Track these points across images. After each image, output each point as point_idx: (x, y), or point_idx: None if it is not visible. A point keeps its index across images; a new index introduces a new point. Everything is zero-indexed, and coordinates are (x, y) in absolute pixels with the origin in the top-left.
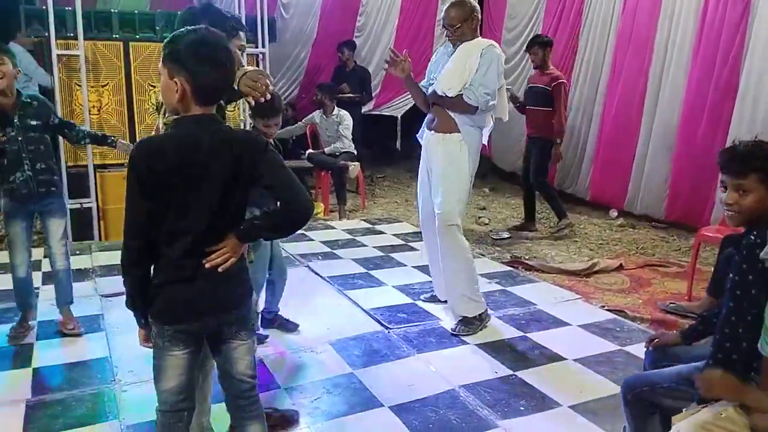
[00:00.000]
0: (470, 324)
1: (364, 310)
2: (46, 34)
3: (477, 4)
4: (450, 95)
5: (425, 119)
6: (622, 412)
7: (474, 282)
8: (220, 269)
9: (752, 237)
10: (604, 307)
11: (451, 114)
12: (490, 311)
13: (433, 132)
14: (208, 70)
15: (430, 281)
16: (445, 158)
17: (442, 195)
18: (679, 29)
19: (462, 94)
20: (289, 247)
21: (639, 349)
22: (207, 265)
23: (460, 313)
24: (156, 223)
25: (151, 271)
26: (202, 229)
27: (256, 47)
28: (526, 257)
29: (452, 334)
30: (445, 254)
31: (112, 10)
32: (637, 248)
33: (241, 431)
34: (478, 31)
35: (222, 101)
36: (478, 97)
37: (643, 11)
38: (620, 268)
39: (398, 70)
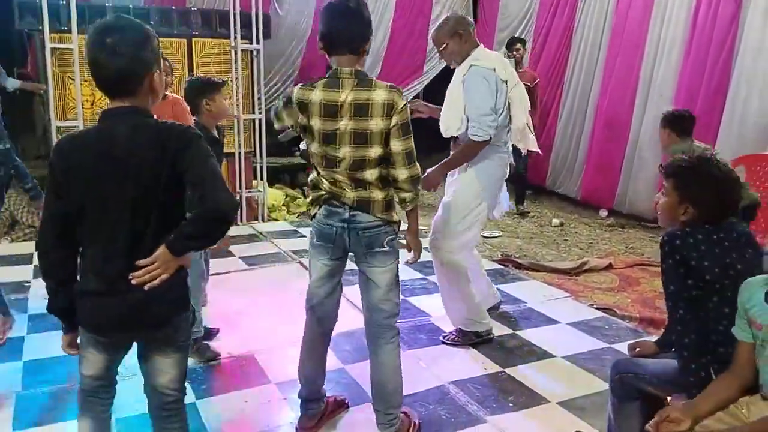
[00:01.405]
0: (465, 336)
1: (355, 306)
2: (40, 27)
3: (462, 17)
4: (454, 134)
5: None
6: (607, 393)
7: (470, 301)
8: (146, 287)
9: (663, 236)
10: (593, 305)
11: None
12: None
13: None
14: (102, 60)
15: (422, 278)
16: (454, 183)
17: (441, 221)
18: (670, 30)
19: (468, 135)
20: (281, 244)
21: (627, 347)
22: (133, 282)
23: (455, 325)
24: (78, 222)
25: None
26: (124, 230)
27: (251, 44)
28: (517, 256)
29: (441, 342)
30: (438, 276)
31: (107, 4)
32: (627, 248)
33: None
34: (473, 41)
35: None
36: (484, 128)
37: (636, 12)
38: (609, 267)
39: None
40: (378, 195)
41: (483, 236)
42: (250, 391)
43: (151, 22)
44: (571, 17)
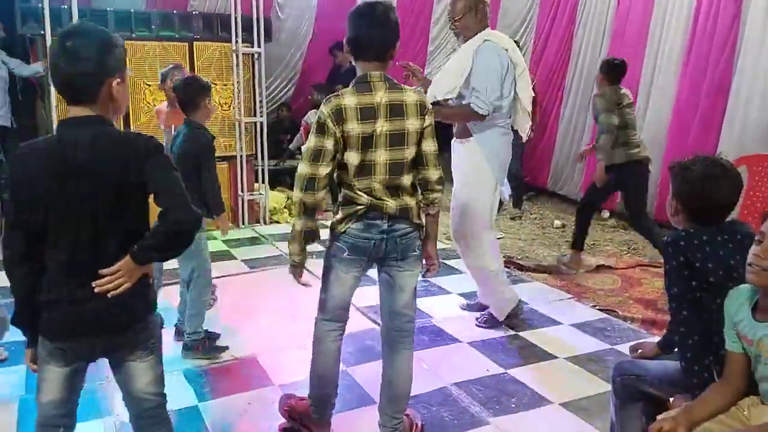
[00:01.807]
0: (494, 322)
1: (357, 308)
2: (42, 31)
3: None
4: (440, 99)
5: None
6: (609, 395)
7: (497, 287)
8: (109, 295)
9: (667, 238)
10: (595, 306)
11: None
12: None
13: (455, 139)
14: (61, 64)
15: (423, 280)
16: (462, 167)
17: (457, 209)
18: (670, 32)
19: (461, 101)
20: (283, 247)
21: (629, 348)
22: (96, 290)
23: (491, 310)
24: (40, 232)
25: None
26: (87, 240)
27: (252, 47)
28: (519, 257)
29: (476, 325)
30: (468, 266)
31: (108, 9)
32: (629, 248)
33: None
34: (486, 22)
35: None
36: (487, 102)
37: (636, 13)
38: (604, 267)
39: (415, 80)
40: (412, 201)
41: None
42: (252, 393)
43: (153, 26)
44: (571, 19)
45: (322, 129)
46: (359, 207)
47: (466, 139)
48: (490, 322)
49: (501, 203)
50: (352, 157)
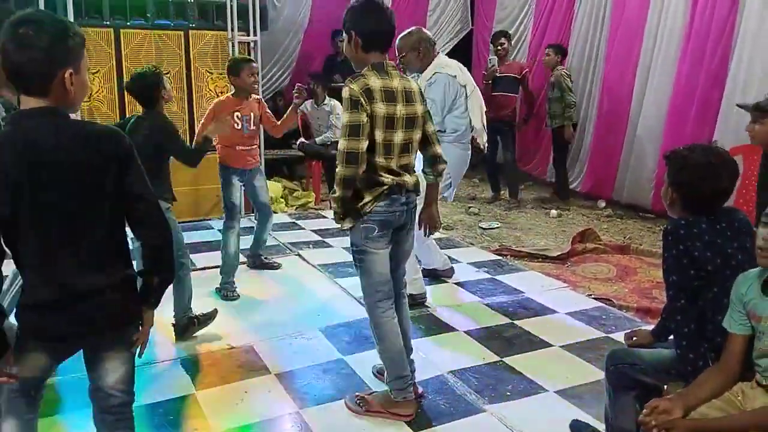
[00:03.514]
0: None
1: (354, 297)
2: None
3: (426, 36)
4: None
5: None
6: (603, 383)
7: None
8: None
9: (666, 226)
10: (590, 295)
11: None
12: (477, 298)
13: None
14: (12, 50)
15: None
16: None
17: None
18: (668, 20)
19: None
20: (280, 236)
21: (623, 336)
22: (138, 356)
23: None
24: (8, 232)
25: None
26: (65, 240)
27: (248, 35)
28: (515, 246)
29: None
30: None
31: None
32: (625, 238)
33: None
34: (429, 59)
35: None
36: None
37: (634, 1)
38: (597, 251)
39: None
40: (415, 177)
41: (482, 227)
42: (249, 381)
43: (148, 14)
44: (569, 7)
45: (356, 105)
46: (384, 187)
47: None
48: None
49: (498, 198)
50: (378, 136)
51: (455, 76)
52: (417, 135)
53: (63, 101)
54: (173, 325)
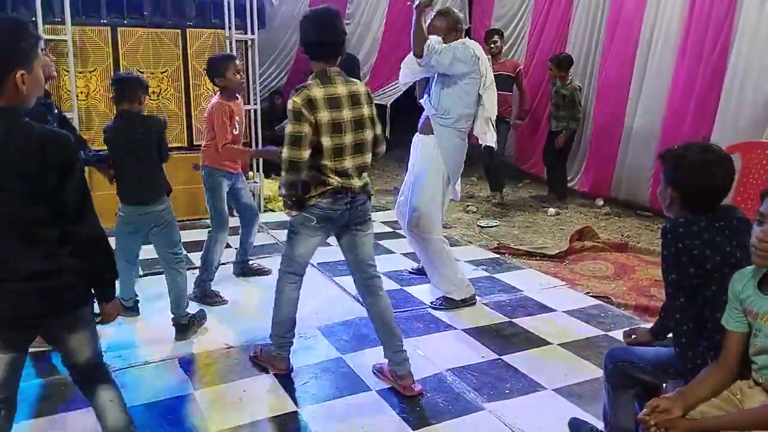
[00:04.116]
0: (452, 302)
1: (352, 296)
2: (33, 18)
3: (461, 18)
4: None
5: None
6: (602, 381)
7: (453, 272)
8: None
9: (665, 224)
10: (589, 293)
11: (430, 117)
12: (476, 296)
13: (418, 134)
14: None
15: (419, 267)
16: (420, 159)
17: (412, 196)
18: (665, 17)
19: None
20: (278, 235)
21: (622, 335)
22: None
23: (443, 292)
24: None
25: None
26: (11, 232)
27: (245, 34)
28: (513, 244)
29: (431, 307)
30: (419, 251)
31: None
32: (622, 236)
33: (91, 397)
34: (456, 40)
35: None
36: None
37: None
38: (595, 249)
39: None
40: (366, 180)
41: (480, 226)
42: (247, 380)
43: (145, 13)
44: (568, 5)
45: (298, 117)
46: (329, 186)
47: (428, 135)
48: (446, 305)
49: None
50: (326, 141)
51: (479, 58)
52: (369, 135)
53: (15, 99)
54: (174, 324)
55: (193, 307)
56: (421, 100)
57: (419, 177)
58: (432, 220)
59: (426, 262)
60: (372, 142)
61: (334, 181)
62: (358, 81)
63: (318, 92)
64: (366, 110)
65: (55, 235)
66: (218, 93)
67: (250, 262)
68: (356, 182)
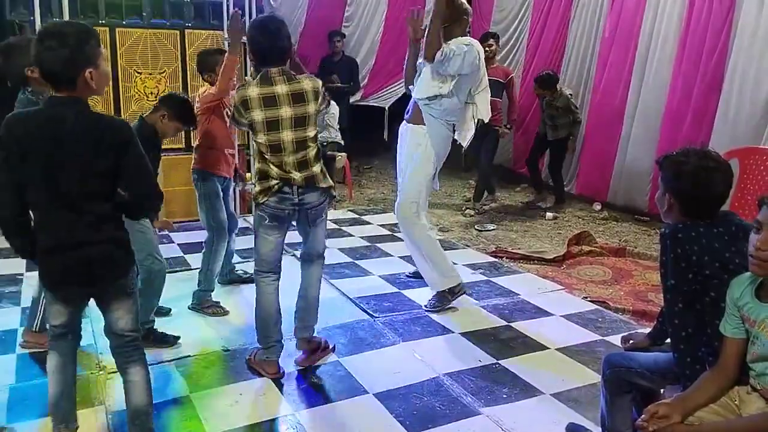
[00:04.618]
0: (442, 299)
1: (350, 299)
2: (32, 17)
3: (470, 10)
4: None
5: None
6: (600, 386)
7: (440, 258)
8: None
9: (664, 230)
10: (586, 298)
11: (420, 107)
12: (473, 300)
13: (405, 122)
14: (39, 53)
15: (416, 271)
16: (410, 147)
17: (404, 182)
18: (663, 23)
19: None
20: None
21: (620, 340)
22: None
23: (433, 289)
24: (26, 192)
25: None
26: (65, 203)
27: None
28: (510, 248)
29: (425, 310)
30: (407, 239)
31: None
32: (620, 241)
33: (123, 372)
34: (460, 32)
35: None
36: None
37: (630, 5)
38: (592, 254)
39: (411, 29)
40: (317, 169)
41: (477, 230)
42: (244, 384)
43: (144, 13)
44: (566, 9)
45: (237, 111)
46: (273, 182)
47: (418, 125)
48: (438, 304)
49: (490, 194)
50: (261, 138)
51: (482, 60)
52: (311, 132)
53: (88, 93)
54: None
55: (191, 315)
56: (410, 87)
57: (409, 165)
58: (419, 207)
59: (414, 252)
60: (314, 138)
61: (274, 172)
62: (309, 79)
63: (254, 91)
64: (312, 107)
65: (102, 209)
66: (209, 89)
67: (236, 270)
68: (297, 175)
